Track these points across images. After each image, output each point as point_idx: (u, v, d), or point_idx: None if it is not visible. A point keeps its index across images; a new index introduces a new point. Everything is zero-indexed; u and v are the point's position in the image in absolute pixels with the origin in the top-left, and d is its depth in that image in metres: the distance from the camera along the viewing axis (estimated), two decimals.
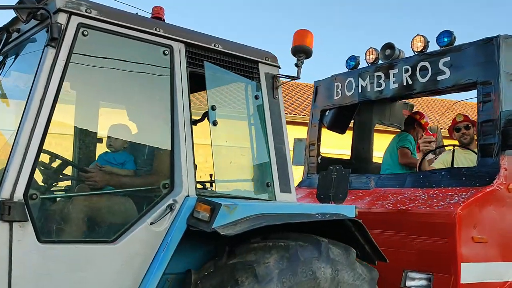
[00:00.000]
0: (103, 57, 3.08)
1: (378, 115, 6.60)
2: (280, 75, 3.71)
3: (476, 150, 4.56)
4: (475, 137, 4.96)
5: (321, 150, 5.97)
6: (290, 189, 3.61)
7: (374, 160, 6.72)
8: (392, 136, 6.33)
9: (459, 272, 3.83)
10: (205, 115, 3.58)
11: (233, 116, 3.54)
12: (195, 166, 3.45)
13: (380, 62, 5.35)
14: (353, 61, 5.69)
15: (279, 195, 3.54)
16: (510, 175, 4.24)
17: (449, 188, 4.36)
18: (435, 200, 4.24)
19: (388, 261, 3.68)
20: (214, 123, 3.19)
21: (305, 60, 3.63)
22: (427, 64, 4.83)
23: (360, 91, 5.44)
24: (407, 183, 4.76)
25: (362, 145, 6.51)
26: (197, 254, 3.26)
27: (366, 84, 5.37)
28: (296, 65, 3.62)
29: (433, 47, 4.89)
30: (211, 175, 3.83)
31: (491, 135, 4.27)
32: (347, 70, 5.68)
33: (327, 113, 5.96)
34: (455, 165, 4.88)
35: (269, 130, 3.56)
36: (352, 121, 6.54)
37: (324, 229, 3.47)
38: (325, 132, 6.05)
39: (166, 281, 3.13)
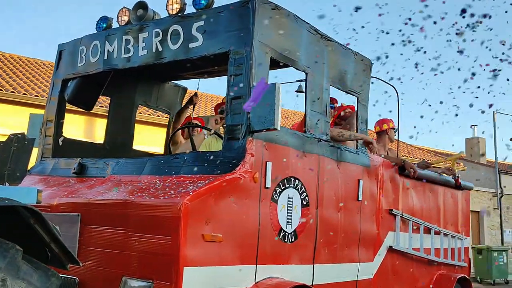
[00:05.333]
0: None
1: (143, 95, 5.67)
2: None
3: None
4: None
5: None
6: None
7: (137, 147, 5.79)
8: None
9: (180, 279, 3.04)
10: None
11: None
12: None
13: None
14: (104, 23, 4.69)
15: None
16: (258, 162, 3.61)
17: (189, 175, 3.58)
18: (167, 189, 3.42)
19: (81, 265, 2.75)
20: None
21: None
22: (179, 28, 4.03)
23: (105, 57, 4.45)
24: (145, 170, 3.88)
25: (119, 129, 5.50)
26: None
27: (114, 49, 4.40)
28: None
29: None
30: None
31: (240, 114, 3.61)
32: None
33: (69, 83, 4.84)
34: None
35: None
36: (109, 98, 5.54)
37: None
38: None
39: None
